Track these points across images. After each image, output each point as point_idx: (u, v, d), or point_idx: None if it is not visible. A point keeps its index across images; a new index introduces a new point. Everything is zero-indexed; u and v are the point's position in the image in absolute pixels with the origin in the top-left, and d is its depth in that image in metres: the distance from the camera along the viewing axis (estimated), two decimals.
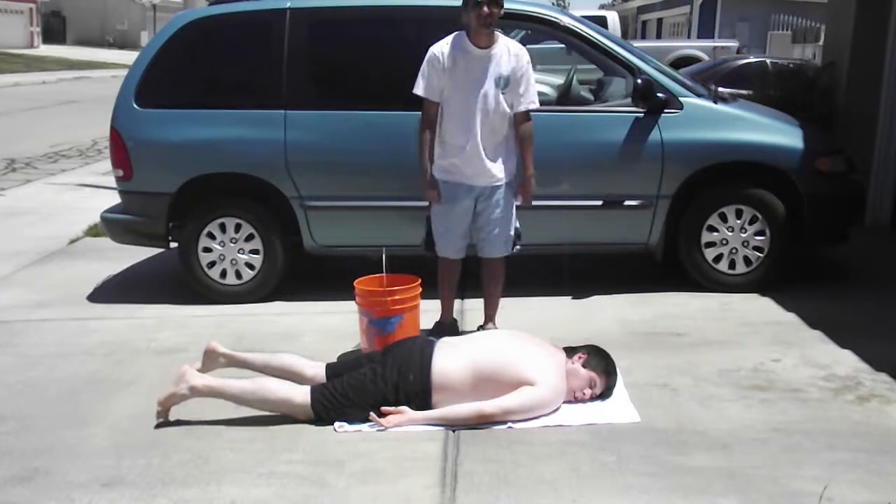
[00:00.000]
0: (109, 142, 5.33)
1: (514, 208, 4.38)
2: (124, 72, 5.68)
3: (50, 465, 3.23)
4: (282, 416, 3.54)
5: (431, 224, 4.43)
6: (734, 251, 5.28)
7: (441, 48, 4.16)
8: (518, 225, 4.43)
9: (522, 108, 4.23)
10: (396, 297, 4.13)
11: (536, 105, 4.28)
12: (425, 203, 4.41)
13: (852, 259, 6.09)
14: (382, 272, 4.29)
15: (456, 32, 4.20)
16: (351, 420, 3.50)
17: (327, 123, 5.15)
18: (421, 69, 4.19)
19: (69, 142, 12.98)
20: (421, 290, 4.28)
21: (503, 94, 4.17)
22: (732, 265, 5.30)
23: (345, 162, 5.14)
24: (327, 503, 2.94)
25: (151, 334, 4.71)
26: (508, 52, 4.17)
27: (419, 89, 4.20)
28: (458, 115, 4.17)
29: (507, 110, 4.21)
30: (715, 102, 5.26)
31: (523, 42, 4.67)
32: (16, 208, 8.37)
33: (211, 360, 3.89)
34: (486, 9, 4.01)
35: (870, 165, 7.15)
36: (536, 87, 4.30)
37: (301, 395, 3.52)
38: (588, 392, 3.69)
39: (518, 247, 4.45)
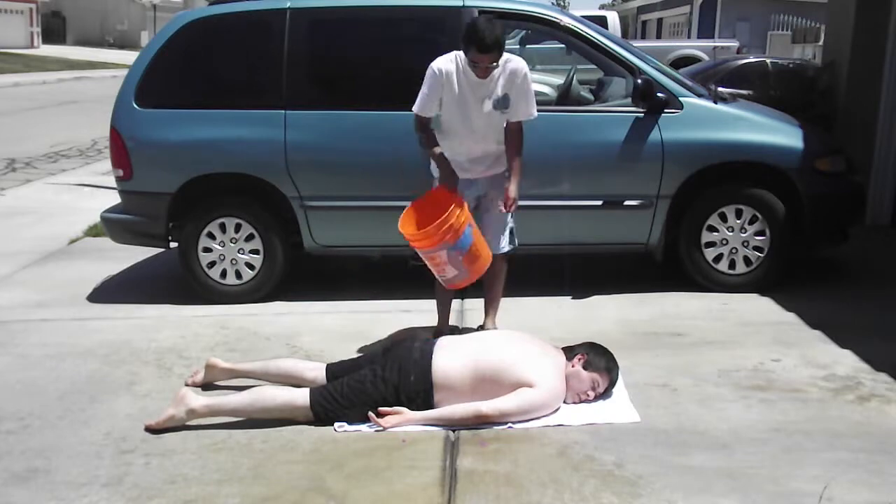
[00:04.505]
0: (109, 142, 5.33)
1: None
2: (124, 72, 5.68)
3: (50, 465, 3.23)
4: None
5: None
6: (734, 251, 5.28)
7: (440, 65, 4.11)
8: (513, 225, 4.39)
9: (516, 119, 4.21)
10: (457, 212, 3.94)
11: (533, 116, 4.24)
12: None
13: (852, 259, 6.09)
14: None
15: (457, 52, 4.13)
16: (351, 420, 3.50)
17: (327, 123, 5.15)
18: (423, 87, 4.13)
19: (69, 142, 12.98)
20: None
21: (504, 112, 4.16)
22: (732, 265, 5.30)
23: (345, 162, 5.14)
24: (327, 503, 2.94)
25: (151, 334, 4.71)
26: (504, 70, 4.11)
27: (417, 107, 4.15)
28: (455, 123, 4.17)
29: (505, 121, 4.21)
30: (715, 102, 5.26)
31: (523, 42, 4.65)
32: (16, 208, 8.37)
33: (212, 373, 3.94)
34: (482, 66, 3.98)
35: (870, 165, 7.15)
36: (536, 88, 4.26)
37: (301, 397, 3.52)
38: (592, 394, 3.69)
39: (514, 245, 4.41)
